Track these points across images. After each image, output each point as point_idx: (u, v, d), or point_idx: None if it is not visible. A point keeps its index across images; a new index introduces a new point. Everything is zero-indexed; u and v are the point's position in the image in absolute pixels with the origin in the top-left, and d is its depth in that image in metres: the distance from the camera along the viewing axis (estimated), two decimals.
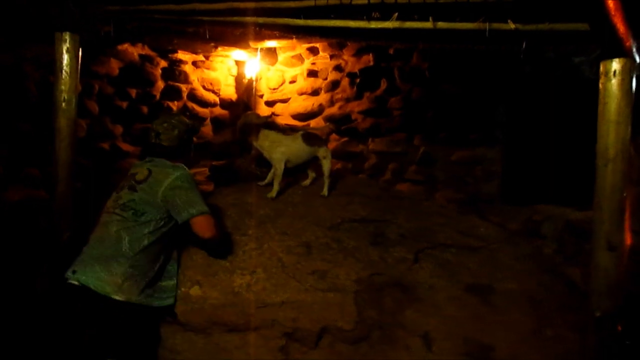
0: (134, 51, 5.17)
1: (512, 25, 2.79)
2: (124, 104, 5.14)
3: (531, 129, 4.16)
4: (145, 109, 5.29)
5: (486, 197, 4.22)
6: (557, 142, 3.96)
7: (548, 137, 4.00)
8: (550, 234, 3.62)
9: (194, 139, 2.92)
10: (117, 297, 2.37)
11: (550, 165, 3.97)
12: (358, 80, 5.37)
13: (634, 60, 2.48)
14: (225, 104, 5.91)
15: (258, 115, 4.79)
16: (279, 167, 3.44)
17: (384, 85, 5.17)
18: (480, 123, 4.49)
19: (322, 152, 3.58)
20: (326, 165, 3.56)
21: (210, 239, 2.58)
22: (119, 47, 4.99)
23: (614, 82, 2.48)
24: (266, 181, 3.63)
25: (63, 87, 3.04)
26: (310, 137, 3.58)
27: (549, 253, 3.46)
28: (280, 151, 3.45)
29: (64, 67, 3.02)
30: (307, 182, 3.75)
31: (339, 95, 5.56)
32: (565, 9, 2.70)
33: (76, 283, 2.40)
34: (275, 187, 3.46)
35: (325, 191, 3.59)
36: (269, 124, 3.74)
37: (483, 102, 4.46)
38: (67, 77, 3.03)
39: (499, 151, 4.30)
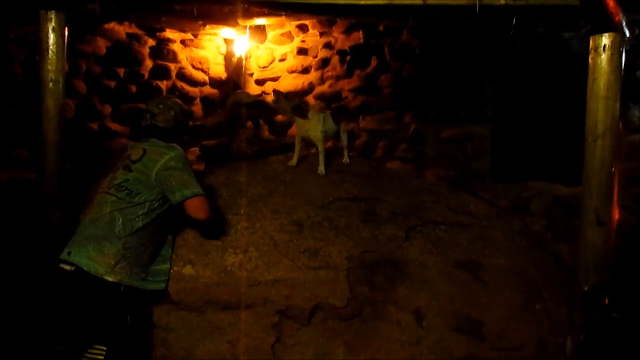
0: (121, 30, 5.09)
1: (502, 1, 2.77)
2: (112, 84, 5.08)
3: (521, 106, 4.16)
4: (133, 89, 5.23)
5: (477, 175, 4.23)
6: (547, 118, 3.97)
7: (538, 113, 4.01)
8: (539, 210, 3.66)
9: (190, 122, 2.91)
10: (109, 278, 2.37)
11: (540, 141, 3.99)
12: (348, 58, 5.33)
13: (624, 35, 2.48)
14: (214, 82, 5.85)
15: (248, 94, 4.77)
16: (322, 144, 3.69)
17: (374, 62, 5.14)
18: (470, 100, 4.48)
19: (342, 127, 3.98)
20: (345, 137, 4.02)
21: (204, 220, 2.58)
22: (106, 26, 4.89)
23: (604, 57, 2.48)
24: (294, 162, 3.79)
25: (50, 67, 2.99)
26: (335, 115, 3.92)
27: (538, 229, 3.50)
28: (321, 130, 3.66)
29: (50, 47, 2.97)
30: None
31: (330, 73, 5.52)
32: None
33: (68, 268, 2.39)
34: (323, 163, 3.68)
35: (346, 159, 4.01)
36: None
37: (473, 79, 4.45)
38: (54, 57, 2.99)
39: (489, 128, 4.30)
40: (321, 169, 3.66)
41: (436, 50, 4.65)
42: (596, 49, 2.50)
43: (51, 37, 2.97)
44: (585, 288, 2.60)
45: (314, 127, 3.66)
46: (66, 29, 3.04)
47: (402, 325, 2.74)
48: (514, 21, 3.00)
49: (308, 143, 3.92)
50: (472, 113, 4.48)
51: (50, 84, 2.99)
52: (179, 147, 2.64)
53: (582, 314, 2.64)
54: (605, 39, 2.47)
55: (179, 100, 2.84)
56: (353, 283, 2.80)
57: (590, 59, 2.53)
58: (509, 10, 2.85)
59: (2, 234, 3.31)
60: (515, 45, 4.08)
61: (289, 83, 5.75)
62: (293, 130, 5.19)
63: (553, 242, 3.38)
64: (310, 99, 5.58)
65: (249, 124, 4.91)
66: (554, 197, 3.66)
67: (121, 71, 5.13)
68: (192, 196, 2.49)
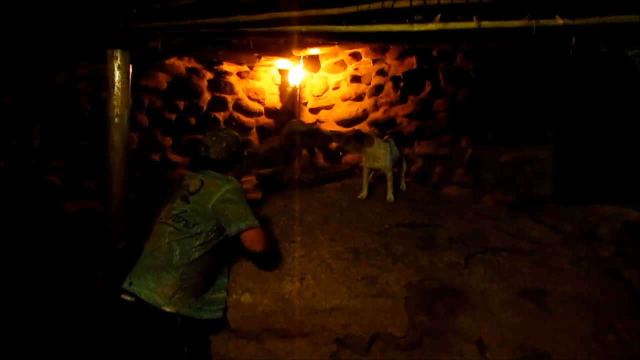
0: (181, 64, 5.30)
1: (560, 21, 2.70)
2: (173, 116, 5.27)
3: (584, 126, 4.02)
4: (193, 120, 5.41)
5: (538, 198, 4.10)
6: (612, 139, 3.82)
7: (602, 134, 3.86)
8: (608, 236, 3.49)
9: (245, 152, 2.96)
10: (167, 309, 2.41)
11: (605, 163, 3.83)
12: (402, 84, 5.33)
13: None
14: (270, 112, 5.98)
15: (303, 123, 4.84)
16: (390, 172, 3.65)
17: (428, 87, 5.12)
18: (529, 122, 4.38)
19: (403, 152, 3.94)
20: (404, 163, 4.00)
21: (260, 252, 2.59)
22: (166, 61, 5.12)
23: None
24: (364, 195, 3.71)
25: (115, 102, 3.14)
26: (397, 140, 3.87)
27: (606, 255, 3.33)
28: (389, 159, 3.63)
29: (116, 83, 3.13)
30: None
31: (383, 100, 5.54)
32: (615, 1, 2.61)
33: (129, 298, 2.46)
34: (392, 190, 3.67)
35: (402, 185, 3.97)
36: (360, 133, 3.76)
37: (531, 101, 4.36)
38: (119, 93, 3.14)
39: (550, 150, 4.17)
40: (390, 196, 3.64)
41: (492, 72, 4.59)
42: None
43: (117, 74, 3.12)
44: None
45: (382, 156, 3.61)
46: (130, 66, 3.19)
47: (464, 356, 2.65)
48: (574, 40, 2.91)
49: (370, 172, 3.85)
50: (532, 135, 4.37)
51: (116, 118, 3.14)
52: (235, 179, 2.68)
53: None
54: None
55: (234, 132, 2.88)
56: (412, 312, 2.74)
57: None
58: (568, 30, 2.78)
59: (71, 262, 3.45)
60: (576, 65, 3.96)
61: (343, 110, 5.80)
62: (347, 158, 5.20)
63: (623, 269, 3.21)
64: (364, 125, 5.60)
65: (304, 152, 4.97)
66: (624, 221, 3.49)
67: (181, 104, 5.33)
68: (248, 229, 2.51)
